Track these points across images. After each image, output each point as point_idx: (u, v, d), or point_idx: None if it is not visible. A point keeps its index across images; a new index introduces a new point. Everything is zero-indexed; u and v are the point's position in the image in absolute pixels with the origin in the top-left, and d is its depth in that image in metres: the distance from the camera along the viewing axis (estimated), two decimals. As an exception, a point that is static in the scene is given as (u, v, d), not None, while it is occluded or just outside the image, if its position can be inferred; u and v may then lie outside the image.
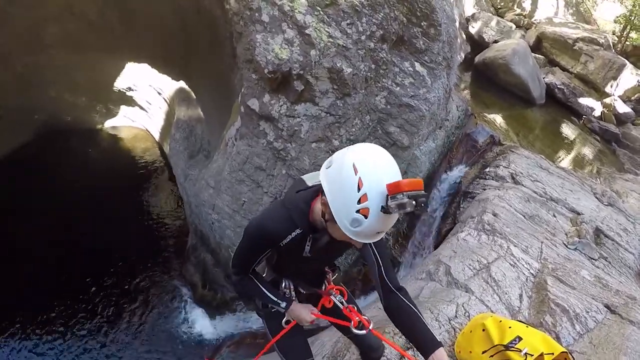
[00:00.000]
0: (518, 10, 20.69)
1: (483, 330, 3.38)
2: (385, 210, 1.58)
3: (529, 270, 4.89)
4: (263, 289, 2.28)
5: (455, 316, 4.05)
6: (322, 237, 1.97)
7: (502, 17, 19.36)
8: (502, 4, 21.06)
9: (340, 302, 2.40)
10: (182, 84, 9.81)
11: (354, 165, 1.65)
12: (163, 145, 11.46)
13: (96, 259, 8.50)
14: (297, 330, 2.46)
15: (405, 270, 7.11)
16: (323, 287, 2.50)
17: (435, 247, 6.71)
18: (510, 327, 3.26)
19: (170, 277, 8.37)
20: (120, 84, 11.31)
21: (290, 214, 1.96)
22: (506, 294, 4.46)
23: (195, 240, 7.89)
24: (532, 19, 20.30)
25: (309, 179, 2.16)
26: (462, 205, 7.13)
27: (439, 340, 2.05)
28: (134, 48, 9.54)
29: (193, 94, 9.58)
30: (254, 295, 2.35)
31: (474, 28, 17.93)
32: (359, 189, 1.62)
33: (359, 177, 1.62)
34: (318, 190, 1.93)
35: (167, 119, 11.02)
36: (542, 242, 5.59)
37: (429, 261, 5.45)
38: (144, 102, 11.66)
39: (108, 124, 12.54)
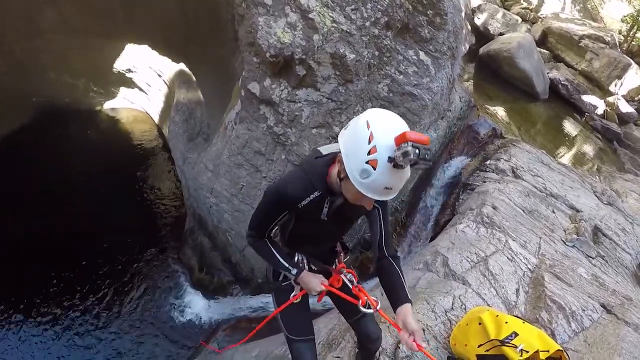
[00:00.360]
0: (524, 4, 20.53)
1: (479, 324, 3.35)
2: (391, 160, 1.71)
3: (526, 265, 4.88)
4: (276, 254, 2.34)
5: (452, 308, 4.04)
6: (338, 199, 2.11)
7: (508, 10, 19.22)
8: (509, -4, 20.91)
9: (350, 281, 2.50)
10: (182, 66, 9.71)
11: (367, 122, 1.79)
12: (162, 128, 11.39)
13: (93, 241, 8.47)
14: (303, 306, 2.57)
15: (402, 260, 7.08)
16: (334, 266, 2.59)
17: (433, 237, 6.70)
18: (506, 322, 3.23)
19: (167, 260, 8.34)
20: (119, 65, 11.19)
21: (310, 178, 2.08)
22: (503, 288, 4.45)
23: (193, 223, 7.86)
24: (539, 14, 20.15)
25: (325, 150, 2.22)
26: (461, 197, 7.10)
27: (409, 298, 2.23)
28: (134, 31, 9.45)
29: (193, 77, 9.49)
30: (268, 259, 2.40)
31: (479, 19, 17.82)
32: (369, 142, 1.75)
33: (370, 131, 1.76)
34: (335, 157, 2.06)
35: (167, 102, 10.93)
36: (540, 238, 5.57)
37: (427, 252, 5.43)
38: (144, 84, 11.56)
39: (107, 105, 12.43)
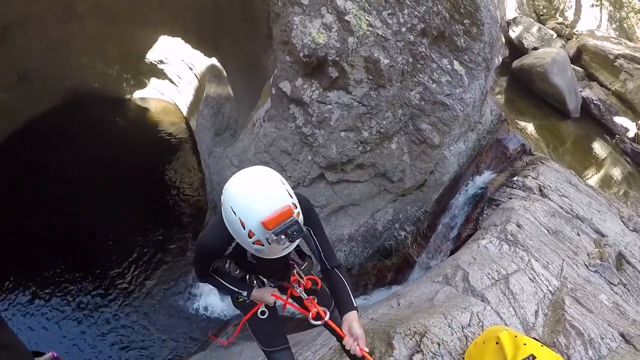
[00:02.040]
0: (560, 19, 20.21)
1: (497, 343, 3.26)
2: (269, 241, 1.88)
3: (547, 287, 4.73)
4: (225, 283, 2.55)
5: (469, 324, 3.94)
6: None
7: (544, 24, 18.92)
8: (545, 10, 20.59)
9: (302, 294, 2.56)
10: (214, 60, 9.78)
11: (231, 208, 1.90)
12: (190, 121, 11.48)
13: (111, 227, 8.62)
14: (272, 319, 2.73)
15: (419, 271, 7.01)
16: (289, 279, 2.67)
17: (454, 251, 6.60)
18: (525, 344, 3.14)
19: (185, 251, 8.40)
20: (152, 56, 11.33)
21: (224, 230, 2.09)
22: (522, 308, 4.33)
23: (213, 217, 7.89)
24: (574, 30, 19.79)
25: None
26: (485, 212, 6.98)
27: (355, 306, 2.35)
28: (167, 22, 9.57)
29: (224, 72, 9.55)
30: (219, 289, 2.61)
31: (514, 32, 17.58)
32: (244, 227, 1.89)
33: (238, 217, 1.88)
34: None
35: (196, 95, 11.01)
36: (563, 260, 5.42)
37: (447, 265, 5.34)
38: (175, 76, 11.67)
39: (137, 94, 12.60)
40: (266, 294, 2.54)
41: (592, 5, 20.34)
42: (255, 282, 2.61)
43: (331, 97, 5.58)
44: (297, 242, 2.02)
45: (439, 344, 3.59)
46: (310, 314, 2.47)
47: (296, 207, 1.94)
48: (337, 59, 5.31)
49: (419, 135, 6.12)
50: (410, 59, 5.72)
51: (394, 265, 6.87)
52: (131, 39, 10.63)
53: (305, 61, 5.35)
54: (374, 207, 6.54)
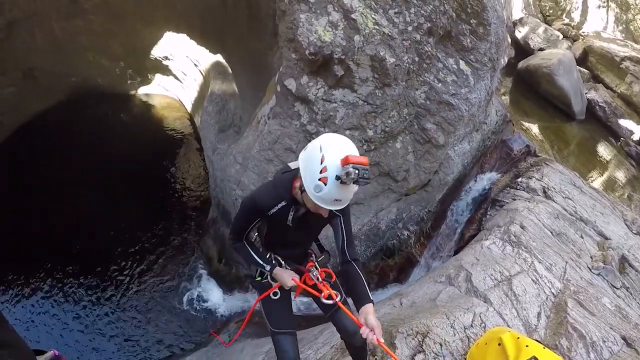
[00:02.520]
0: (566, 20, 20.16)
1: (499, 344, 3.25)
2: (338, 177, 2.10)
3: (550, 289, 4.72)
4: (252, 253, 2.74)
5: (471, 325, 3.93)
6: (301, 208, 2.48)
7: (550, 25, 18.87)
8: (551, 11, 20.55)
9: (316, 278, 2.79)
10: (219, 57, 9.77)
11: (320, 146, 2.19)
12: (194, 117, 11.48)
13: (114, 224, 8.61)
14: (284, 303, 2.93)
15: (421, 270, 7.00)
16: (305, 266, 2.89)
17: (457, 251, 6.59)
18: (527, 346, 3.12)
19: (187, 247, 8.40)
20: (157, 52, 11.33)
21: (277, 189, 2.50)
22: (525, 310, 4.32)
23: (216, 214, 7.89)
24: (580, 31, 19.73)
25: (293, 165, 2.66)
26: (489, 213, 6.98)
27: (372, 299, 2.52)
28: (173, 19, 9.56)
29: (229, 69, 9.54)
30: (246, 258, 2.79)
31: (520, 33, 17.54)
32: (321, 163, 2.14)
33: (322, 154, 2.15)
34: (298, 171, 2.36)
35: (201, 91, 11.01)
36: (566, 262, 5.40)
37: (450, 265, 5.33)
38: (179, 73, 11.67)
39: (142, 90, 12.60)
40: (286, 276, 2.72)
41: (599, 7, 20.28)
42: (274, 261, 2.80)
43: (336, 95, 5.57)
44: (349, 199, 2.29)
45: (441, 345, 3.60)
46: (323, 294, 2.68)
47: None
48: (343, 57, 5.30)
49: (424, 135, 6.10)
50: (416, 58, 5.70)
51: (397, 264, 6.86)
52: (136, 36, 10.63)
53: (311, 59, 5.34)
54: (378, 206, 6.52)
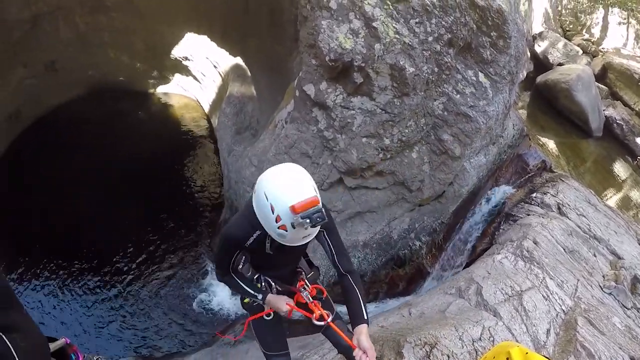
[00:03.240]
0: (586, 36, 19.97)
1: (507, 359, 3.24)
2: (294, 225, 2.09)
3: (561, 306, 4.69)
4: (242, 284, 2.71)
5: (480, 338, 3.91)
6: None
7: (570, 40, 18.73)
8: (571, 26, 20.38)
9: (307, 298, 2.76)
10: (238, 60, 9.85)
11: (265, 194, 2.13)
12: (211, 118, 11.57)
13: (127, 221, 8.72)
14: (276, 325, 2.94)
15: (432, 282, 6.98)
16: (296, 284, 2.85)
17: (468, 264, 6.56)
18: None
19: (198, 247, 8.46)
20: (177, 52, 11.45)
21: (249, 221, 2.36)
22: (534, 326, 4.29)
23: (229, 215, 7.92)
24: (600, 47, 19.54)
25: None
26: (502, 227, 6.93)
27: (366, 318, 2.48)
28: (194, 20, 9.67)
29: (248, 72, 9.61)
30: (236, 290, 2.78)
31: (539, 47, 17.43)
32: (273, 212, 2.11)
33: (270, 203, 2.11)
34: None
35: (219, 93, 11.10)
36: (578, 280, 5.35)
37: (461, 277, 5.31)
38: (199, 73, 11.78)
39: (160, 89, 12.74)
40: (281, 302, 2.69)
41: (619, 24, 20.06)
42: (264, 284, 2.77)
43: (355, 102, 5.59)
44: (315, 232, 2.30)
45: (448, 356, 3.59)
46: (314, 315, 2.67)
47: (320, 202, 2.14)
48: (363, 64, 5.32)
49: (440, 146, 6.10)
50: (436, 69, 5.71)
51: (407, 274, 6.84)
52: (157, 34, 10.76)
53: (331, 65, 5.37)
54: (391, 215, 6.52)
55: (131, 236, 8.47)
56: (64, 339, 2.05)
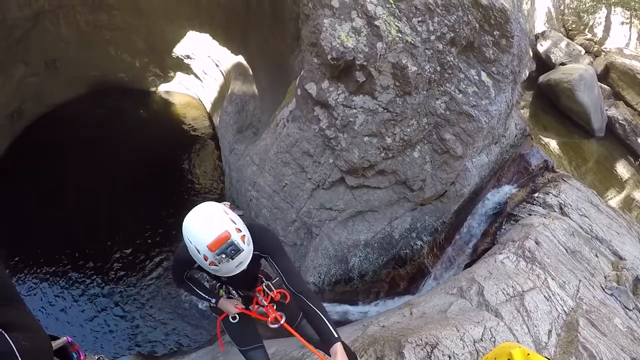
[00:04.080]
0: (589, 35, 19.92)
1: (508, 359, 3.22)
2: (218, 262, 2.26)
3: (562, 307, 4.66)
4: (196, 289, 2.95)
5: (481, 339, 3.89)
6: None
7: (572, 40, 18.69)
8: (574, 26, 20.32)
9: (262, 301, 2.94)
10: (240, 58, 9.84)
11: (188, 239, 2.29)
12: (213, 117, 11.57)
13: (127, 219, 8.73)
14: (245, 322, 3.08)
15: (433, 282, 6.95)
16: (254, 290, 3.04)
17: (469, 264, 6.54)
18: None
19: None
20: (179, 50, 11.45)
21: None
22: (536, 326, 4.27)
23: (230, 214, 7.91)
24: (602, 47, 19.49)
25: None
26: (504, 227, 6.92)
27: (337, 336, 2.46)
28: (196, 18, 9.67)
29: (250, 70, 9.60)
30: (192, 294, 2.99)
31: (542, 46, 17.40)
32: (199, 252, 2.27)
33: (194, 245, 2.27)
34: None
35: (221, 92, 11.09)
36: (580, 281, 5.33)
37: (462, 277, 5.29)
38: (200, 72, 11.77)
39: (162, 88, 12.74)
40: (230, 306, 2.93)
41: (622, 23, 20.01)
42: (223, 291, 3.02)
43: (356, 101, 5.57)
44: (246, 260, 2.40)
45: (449, 357, 3.57)
46: (269, 318, 2.82)
47: (240, 231, 2.31)
48: (365, 63, 5.29)
49: (442, 145, 6.07)
50: (438, 68, 5.68)
51: (408, 274, 6.82)
52: (159, 33, 10.76)
53: (333, 64, 5.34)
54: (392, 214, 6.50)
55: (131, 234, 8.46)
56: (65, 337, 2.04)
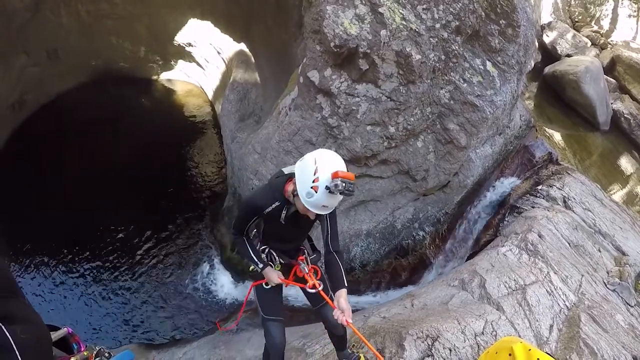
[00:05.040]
0: (595, 27, 19.69)
1: (510, 354, 3.16)
2: (327, 188, 2.45)
3: (564, 301, 4.60)
4: (250, 250, 3.11)
5: (482, 333, 3.84)
6: (292, 208, 2.84)
7: (578, 31, 18.50)
8: (580, 17, 20.10)
9: (304, 270, 3.17)
10: (242, 46, 9.76)
11: (315, 159, 2.51)
12: (215, 105, 11.52)
13: (129, 207, 8.69)
14: (276, 294, 3.31)
15: (434, 273, 6.92)
16: (296, 259, 3.28)
17: (471, 255, 6.49)
18: (538, 359, 3.04)
19: (201, 234, 8.44)
20: (180, 38, 11.38)
21: (272, 192, 2.86)
22: (537, 321, 4.21)
23: (232, 202, 7.87)
24: (609, 39, 19.29)
25: (287, 170, 2.99)
26: (506, 219, 6.87)
27: (346, 284, 2.89)
28: (198, 5, 9.58)
29: (252, 58, 9.53)
30: (243, 253, 3.17)
31: (548, 37, 17.21)
32: (314, 174, 2.48)
33: (316, 166, 2.48)
34: (291, 176, 2.78)
35: (223, 79, 11.03)
36: (582, 276, 5.27)
37: (464, 269, 5.24)
38: (202, 60, 11.71)
39: (164, 76, 12.69)
40: (274, 276, 3.12)
41: (629, 16, 19.79)
42: (269, 256, 3.22)
43: (360, 89, 5.49)
44: (333, 206, 2.66)
45: (450, 350, 3.53)
46: (308, 284, 3.08)
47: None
48: (368, 51, 5.22)
49: (446, 135, 6.01)
50: (443, 57, 5.60)
51: (410, 264, 6.80)
52: (161, 21, 10.69)
53: (336, 51, 5.26)
54: (395, 204, 6.45)
55: (132, 223, 8.44)
56: (66, 328, 2.04)
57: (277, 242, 3.21)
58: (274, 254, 3.23)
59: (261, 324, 3.34)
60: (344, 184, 2.41)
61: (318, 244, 3.44)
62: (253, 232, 3.25)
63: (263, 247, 3.24)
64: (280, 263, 3.24)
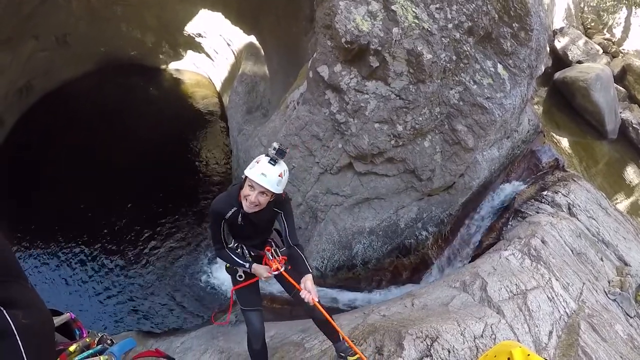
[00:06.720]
0: (607, 35, 19.61)
1: (508, 359, 3.16)
2: (267, 156, 2.91)
3: (565, 308, 4.59)
4: (234, 257, 3.43)
5: (482, 335, 3.83)
6: (244, 211, 3.11)
7: (590, 38, 18.41)
8: (592, 24, 20.01)
9: (269, 256, 3.50)
10: (252, 38, 9.76)
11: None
12: (223, 96, 11.51)
13: (134, 197, 8.73)
14: (253, 287, 3.64)
15: (436, 273, 6.90)
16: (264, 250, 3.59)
17: (473, 258, 6.48)
18: None
19: (204, 226, 8.43)
20: (190, 29, 11.38)
21: (229, 198, 3.18)
22: (537, 326, 4.20)
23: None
24: (620, 47, 19.20)
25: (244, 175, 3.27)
26: (510, 223, 6.84)
27: (310, 271, 3.26)
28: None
29: (262, 51, 9.52)
30: (228, 261, 3.48)
31: (559, 43, 17.15)
32: (258, 162, 2.93)
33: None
34: (244, 181, 3.03)
35: (232, 71, 11.03)
36: (584, 284, 5.26)
37: (466, 271, 5.23)
38: (212, 51, 11.71)
39: (172, 66, 12.70)
40: (262, 270, 3.39)
41: (642, 25, 19.69)
42: (242, 252, 3.51)
43: (369, 86, 5.47)
44: (272, 176, 2.91)
45: (449, 351, 3.52)
46: (272, 267, 3.39)
47: (285, 173, 3.01)
48: (380, 48, 5.19)
49: (454, 136, 5.98)
50: (454, 57, 5.56)
51: (411, 264, 6.78)
52: (171, 10, 10.68)
53: (347, 47, 5.24)
54: (399, 203, 6.43)
55: (135, 213, 8.47)
56: (68, 313, 2.03)
57: (245, 239, 3.50)
58: (245, 249, 3.53)
59: (243, 316, 3.66)
60: (275, 152, 2.86)
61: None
62: (231, 240, 3.53)
63: (235, 245, 3.54)
64: (251, 255, 3.53)
